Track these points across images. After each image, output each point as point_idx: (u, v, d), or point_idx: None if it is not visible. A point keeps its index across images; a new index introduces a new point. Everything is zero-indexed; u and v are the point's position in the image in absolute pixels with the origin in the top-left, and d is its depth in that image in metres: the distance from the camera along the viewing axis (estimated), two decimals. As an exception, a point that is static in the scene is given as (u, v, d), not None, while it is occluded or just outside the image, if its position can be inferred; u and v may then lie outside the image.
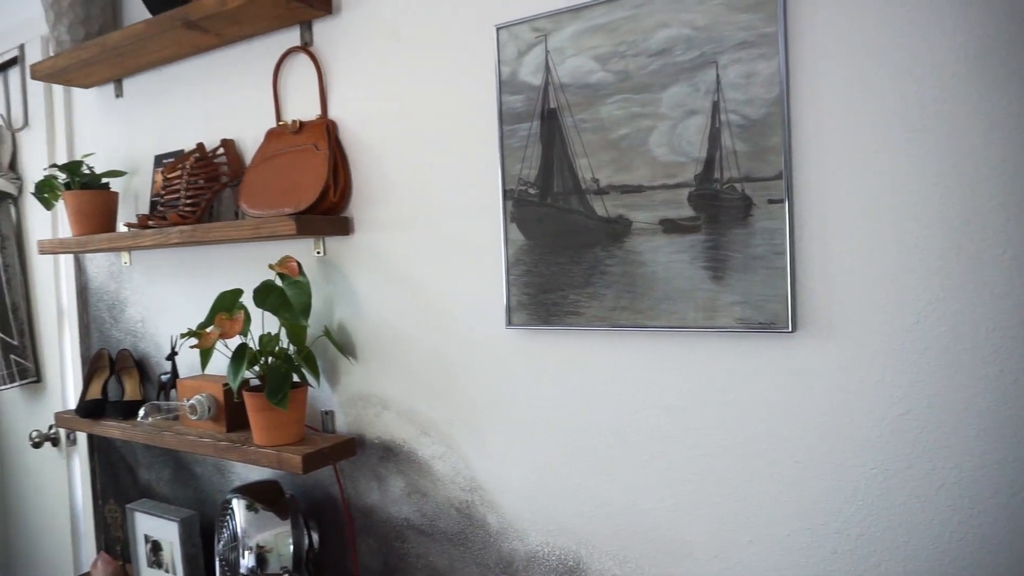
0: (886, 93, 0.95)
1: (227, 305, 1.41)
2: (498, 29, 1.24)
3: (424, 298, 1.37)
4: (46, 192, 1.75)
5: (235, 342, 1.40)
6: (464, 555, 1.37)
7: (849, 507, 1.01)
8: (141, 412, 1.57)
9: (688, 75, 1.07)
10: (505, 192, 1.25)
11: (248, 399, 1.41)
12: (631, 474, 1.18)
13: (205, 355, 1.43)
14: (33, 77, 1.81)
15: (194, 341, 1.60)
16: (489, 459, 1.32)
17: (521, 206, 1.23)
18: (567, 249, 1.19)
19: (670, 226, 1.10)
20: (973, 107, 0.90)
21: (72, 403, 2.06)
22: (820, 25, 0.99)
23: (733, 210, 1.05)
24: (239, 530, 1.41)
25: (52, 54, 1.80)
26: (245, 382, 1.43)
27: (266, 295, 1.36)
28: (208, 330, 1.36)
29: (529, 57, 1.21)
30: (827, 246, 1.00)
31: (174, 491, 1.86)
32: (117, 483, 2.00)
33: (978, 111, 0.90)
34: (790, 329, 1.02)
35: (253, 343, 1.40)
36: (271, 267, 1.39)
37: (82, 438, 2.06)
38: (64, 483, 2.11)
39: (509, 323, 1.26)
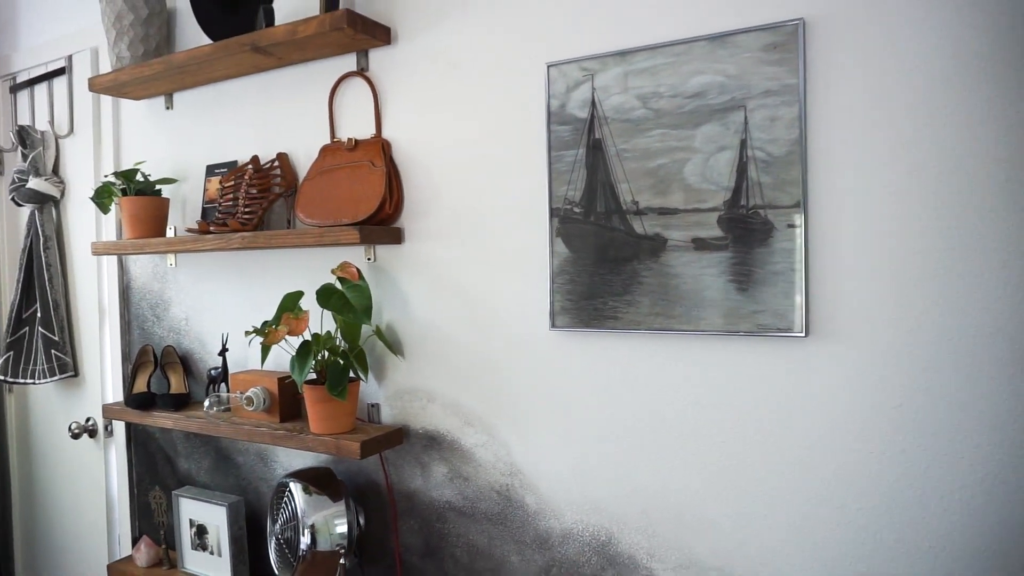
0: (889, 136, 1.14)
1: (290, 305, 1.55)
2: (549, 67, 1.41)
3: (472, 302, 1.53)
4: (104, 197, 1.87)
5: (281, 340, 1.55)
6: (503, 533, 1.53)
7: (850, 486, 1.19)
8: (206, 403, 1.70)
9: (720, 116, 1.26)
10: (552, 210, 1.42)
11: (308, 391, 1.55)
12: (660, 460, 1.35)
13: (265, 351, 1.57)
14: (91, 89, 1.93)
15: (255, 338, 1.73)
16: (529, 447, 1.48)
17: (566, 223, 1.40)
18: (608, 262, 1.36)
19: (701, 244, 1.28)
20: (965, 149, 1.09)
21: (111, 397, 2.17)
22: (834, 80, 1.18)
23: (756, 232, 1.23)
24: (299, 511, 1.54)
25: (110, 69, 1.93)
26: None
27: (328, 297, 1.51)
28: (277, 328, 1.50)
29: (577, 93, 1.39)
30: (837, 263, 1.19)
31: (215, 479, 1.99)
32: (155, 473, 2.11)
33: (969, 150, 1.09)
34: (804, 334, 1.20)
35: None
36: (333, 272, 1.54)
37: (119, 430, 2.17)
38: (101, 473, 2.21)
39: (553, 326, 1.42)
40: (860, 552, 1.19)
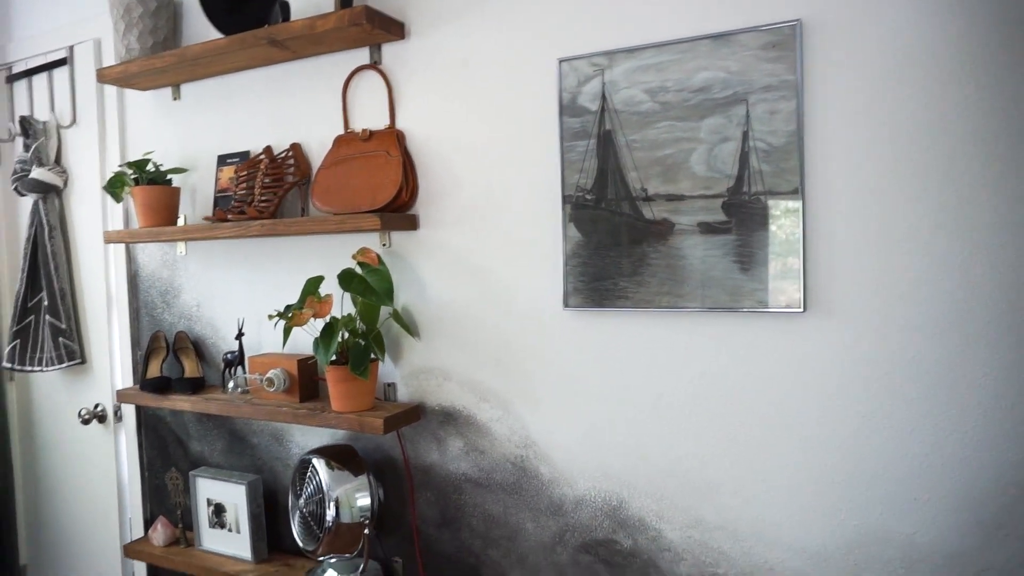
0: (879, 126, 1.26)
1: (313, 289, 1.62)
2: (560, 62, 1.50)
3: (487, 285, 1.62)
4: (117, 187, 1.91)
5: (306, 322, 1.62)
6: (518, 502, 1.62)
7: (844, 449, 1.31)
8: (230, 385, 1.77)
9: (723, 109, 1.36)
10: (564, 197, 1.51)
11: (331, 371, 1.62)
12: (668, 429, 1.46)
13: (287, 333, 1.64)
14: (100, 80, 1.96)
15: (279, 321, 1.77)
16: (543, 420, 1.58)
17: (578, 209, 1.50)
18: (618, 245, 1.46)
19: (706, 228, 1.38)
20: (948, 137, 1.21)
21: (121, 383, 2.21)
22: (829, 76, 1.28)
23: (758, 216, 1.34)
24: (324, 485, 1.62)
25: (116, 60, 1.96)
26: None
27: (350, 280, 1.58)
28: (302, 311, 1.57)
29: (588, 87, 1.48)
30: (831, 244, 1.30)
31: (229, 460, 2.05)
32: (167, 456, 2.17)
33: (952, 139, 1.21)
34: (802, 310, 1.32)
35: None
36: (353, 257, 1.62)
37: (129, 415, 2.21)
38: (110, 458, 2.25)
39: (566, 305, 1.52)
40: (854, 508, 1.31)
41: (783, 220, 1.32)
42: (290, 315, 1.60)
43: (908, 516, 1.27)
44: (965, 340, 1.22)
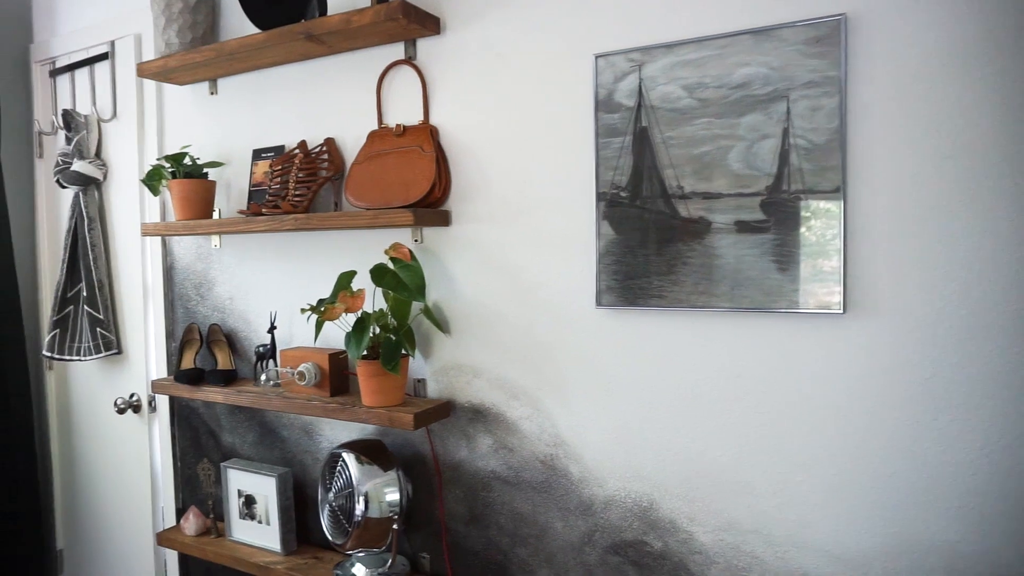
0: (924, 126, 1.22)
1: (345, 284, 1.63)
2: (596, 57, 1.48)
3: (519, 282, 1.61)
4: (155, 180, 1.93)
5: (339, 316, 1.63)
6: (547, 500, 1.61)
7: (884, 452, 1.28)
8: (263, 377, 1.78)
9: (763, 106, 1.33)
10: (599, 194, 1.49)
11: (362, 365, 1.62)
12: (702, 429, 1.44)
13: (319, 327, 1.65)
14: (140, 75, 1.99)
15: (311, 315, 1.79)
16: (574, 418, 1.57)
17: (613, 206, 1.48)
18: (653, 243, 1.44)
19: (744, 227, 1.36)
20: (997, 139, 1.17)
21: (155, 373, 2.25)
22: (874, 73, 1.25)
23: (797, 215, 1.31)
24: (354, 479, 1.63)
25: (155, 55, 1.99)
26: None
27: (382, 276, 1.59)
28: (335, 305, 1.58)
29: (624, 83, 1.46)
30: (873, 244, 1.27)
31: (259, 452, 2.07)
32: (199, 446, 2.20)
33: (1001, 141, 1.17)
34: (842, 311, 1.29)
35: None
36: (386, 252, 1.62)
37: (163, 406, 2.25)
38: (144, 447, 2.29)
39: (598, 304, 1.50)
40: (893, 514, 1.28)
41: (823, 219, 1.29)
42: (323, 309, 1.61)
43: (952, 524, 1.23)
44: (1012, 343, 1.18)
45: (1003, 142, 1.17)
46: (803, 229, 1.31)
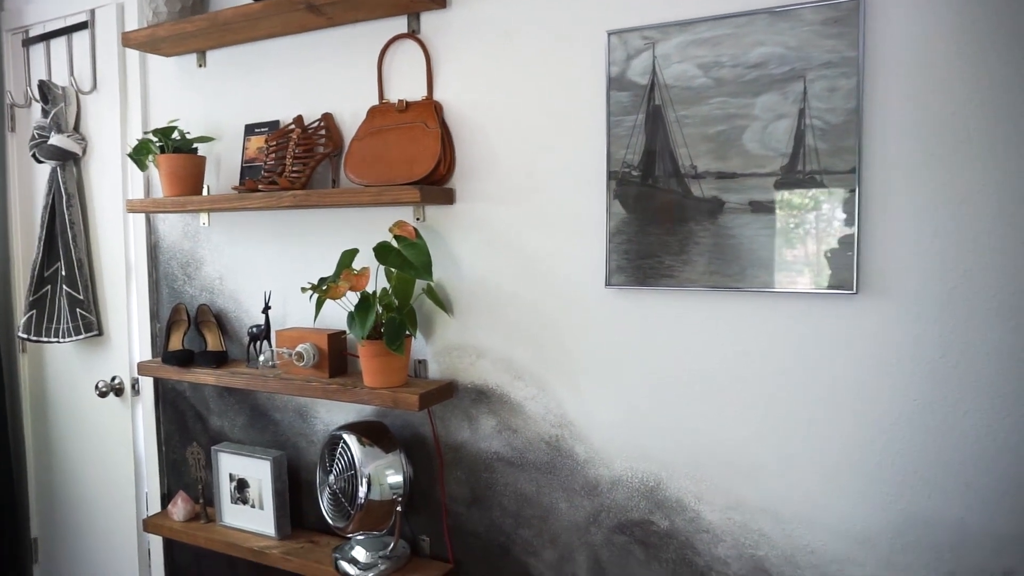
0: (938, 110, 1.23)
1: (348, 262, 1.59)
2: (609, 34, 1.46)
3: (526, 262, 1.59)
4: (143, 154, 1.86)
5: (343, 295, 1.59)
6: (551, 481, 1.61)
7: (893, 431, 1.30)
8: (261, 358, 1.74)
9: (779, 86, 1.33)
10: (610, 173, 1.48)
11: (365, 346, 1.59)
12: (711, 409, 1.44)
13: (320, 306, 1.61)
14: (125, 45, 1.91)
15: (313, 295, 1.74)
16: (581, 399, 1.56)
17: (624, 185, 1.47)
18: (665, 223, 1.44)
19: (758, 207, 1.36)
20: (1012, 121, 1.19)
21: (139, 355, 2.18)
22: (892, 55, 1.26)
23: (812, 195, 1.32)
24: (356, 461, 1.60)
25: (139, 24, 1.91)
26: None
27: (387, 254, 1.55)
28: (338, 283, 1.54)
29: (637, 61, 1.44)
30: (886, 226, 1.28)
31: (250, 436, 2.02)
32: (186, 430, 2.14)
33: (1016, 123, 1.19)
34: (854, 291, 1.30)
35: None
36: (390, 230, 1.58)
37: (147, 389, 2.18)
38: (127, 431, 2.22)
39: (608, 283, 1.49)
40: (901, 492, 1.30)
41: (837, 200, 1.30)
42: (325, 288, 1.57)
43: (958, 500, 1.26)
44: (1022, 324, 1.20)
45: (1020, 126, 1.18)
46: (817, 210, 1.31)
